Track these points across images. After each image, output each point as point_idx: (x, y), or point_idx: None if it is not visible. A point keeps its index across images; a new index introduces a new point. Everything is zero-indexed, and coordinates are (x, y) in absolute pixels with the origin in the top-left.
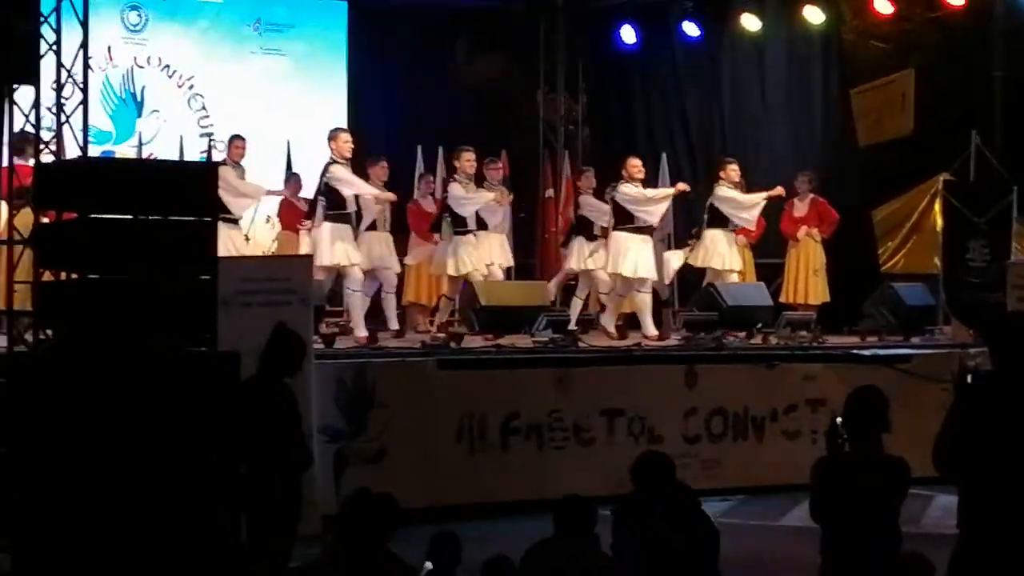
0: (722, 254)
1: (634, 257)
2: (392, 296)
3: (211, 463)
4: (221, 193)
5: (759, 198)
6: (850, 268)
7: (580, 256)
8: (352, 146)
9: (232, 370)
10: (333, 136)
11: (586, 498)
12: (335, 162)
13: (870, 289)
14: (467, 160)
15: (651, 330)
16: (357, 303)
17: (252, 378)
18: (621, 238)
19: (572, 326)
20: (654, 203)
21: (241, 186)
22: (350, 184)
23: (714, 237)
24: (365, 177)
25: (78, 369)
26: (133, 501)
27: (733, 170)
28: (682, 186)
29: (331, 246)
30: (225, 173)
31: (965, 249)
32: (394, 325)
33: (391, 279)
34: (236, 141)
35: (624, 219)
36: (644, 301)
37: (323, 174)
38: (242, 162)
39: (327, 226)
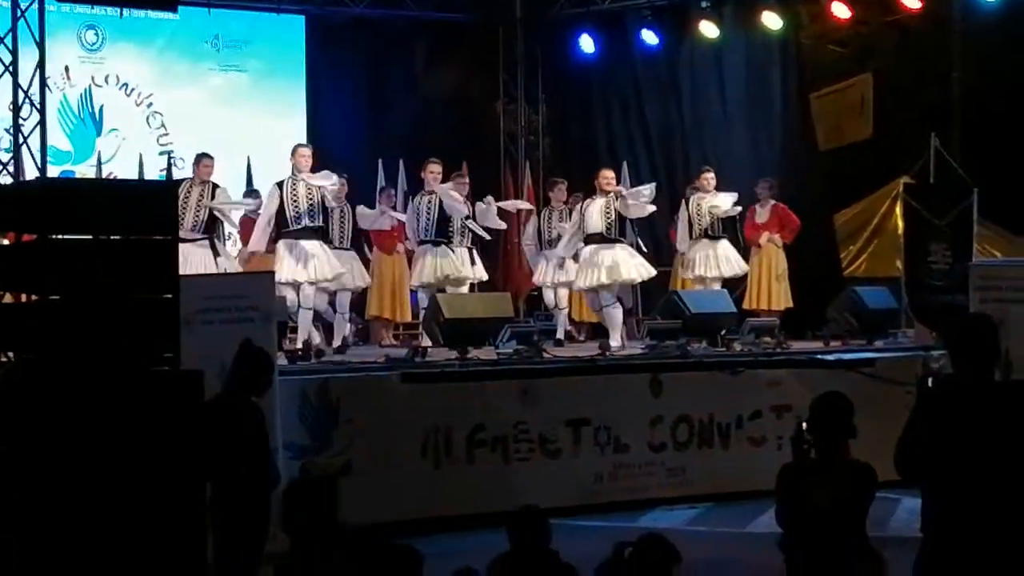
0: (710, 262)
1: (595, 266)
2: (344, 316)
3: (176, 483)
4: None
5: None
6: (813, 273)
7: (545, 271)
8: (310, 160)
9: (195, 389)
10: (293, 151)
11: (540, 509)
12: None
13: (833, 294)
14: (432, 172)
15: (617, 342)
16: (307, 320)
17: (218, 396)
18: (592, 250)
19: (560, 336)
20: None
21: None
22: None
23: (698, 247)
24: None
25: (40, 391)
26: (97, 523)
27: (708, 179)
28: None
29: (288, 263)
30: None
31: (927, 252)
32: (337, 342)
33: (344, 301)
34: (204, 160)
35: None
36: (611, 315)
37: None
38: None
39: (284, 243)
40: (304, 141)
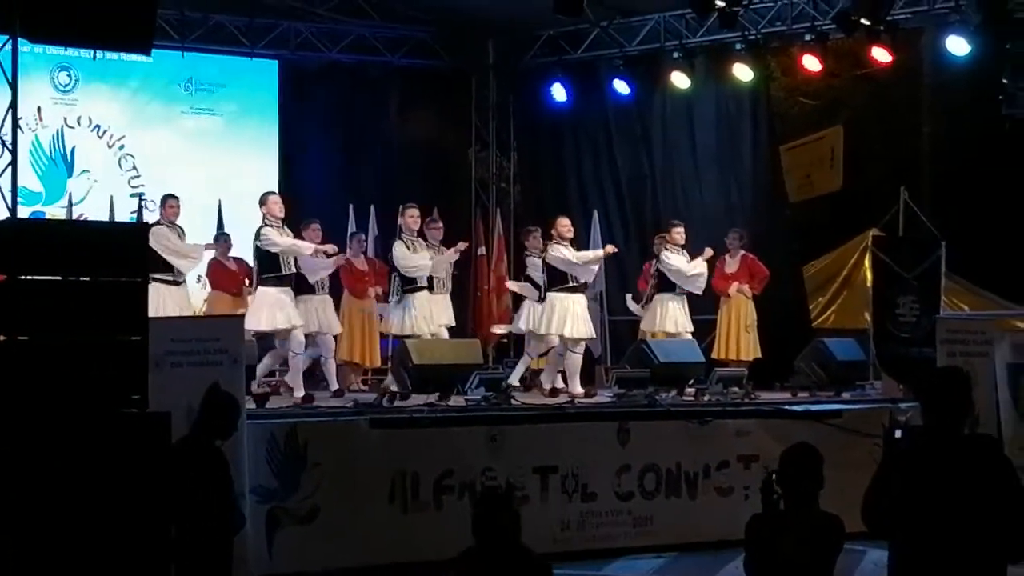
0: (674, 318)
1: (572, 317)
2: (332, 360)
3: (142, 524)
4: (165, 255)
5: (700, 265)
6: (781, 324)
7: (532, 316)
8: (282, 206)
9: (163, 431)
10: (263, 200)
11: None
12: (266, 224)
13: (801, 345)
14: (411, 217)
15: (578, 388)
16: (299, 366)
17: (184, 440)
18: (559, 299)
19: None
20: (584, 264)
21: (181, 247)
22: (282, 244)
23: (663, 301)
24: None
25: (7, 431)
26: (64, 564)
27: (678, 233)
28: (611, 248)
29: (271, 310)
30: (163, 233)
31: (895, 304)
32: (334, 386)
33: (329, 343)
34: (170, 201)
35: (558, 280)
36: (575, 361)
37: (256, 238)
38: (177, 222)
39: (265, 291)
40: (276, 185)
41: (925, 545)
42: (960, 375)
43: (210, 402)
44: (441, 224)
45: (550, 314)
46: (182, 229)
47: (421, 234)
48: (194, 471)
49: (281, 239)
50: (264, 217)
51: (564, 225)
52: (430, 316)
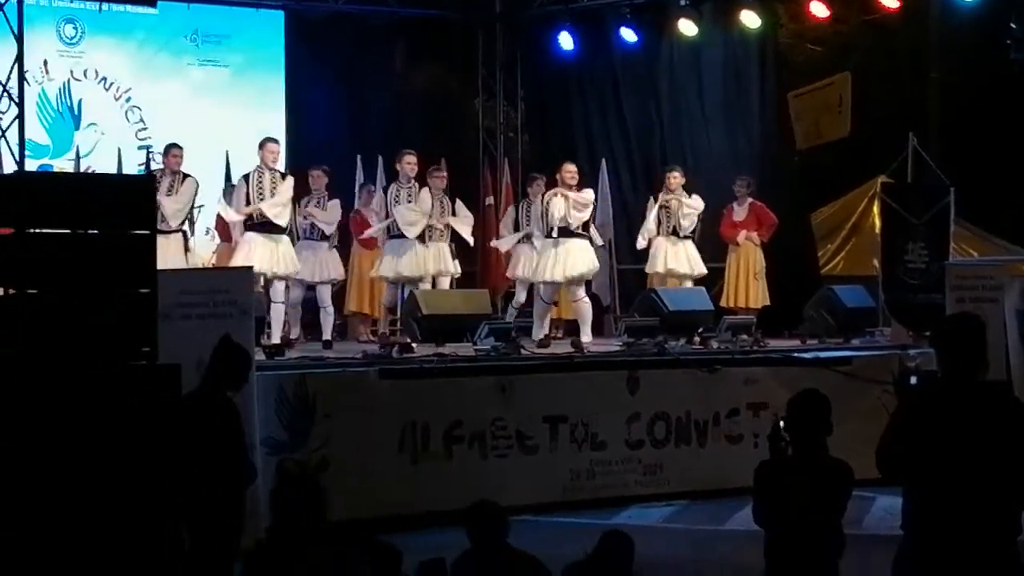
0: (684, 257)
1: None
2: (327, 310)
3: (153, 477)
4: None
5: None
6: (790, 271)
7: (528, 264)
8: (278, 156)
9: (173, 383)
10: (261, 144)
11: (496, 504)
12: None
13: (810, 292)
14: (408, 163)
15: (588, 336)
16: (278, 314)
17: (195, 392)
18: (551, 243)
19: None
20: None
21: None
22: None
23: (667, 243)
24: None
25: (17, 384)
26: (74, 517)
27: (674, 178)
28: None
29: (248, 256)
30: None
31: (904, 251)
32: (327, 336)
33: (324, 295)
34: (173, 150)
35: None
36: (580, 309)
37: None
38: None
39: (246, 236)
40: (283, 135)
41: (941, 492)
42: (975, 322)
43: (221, 353)
44: (445, 173)
45: (546, 260)
46: (186, 175)
47: (422, 182)
48: (206, 422)
49: (225, 210)
50: (260, 161)
51: (569, 171)
52: (416, 263)
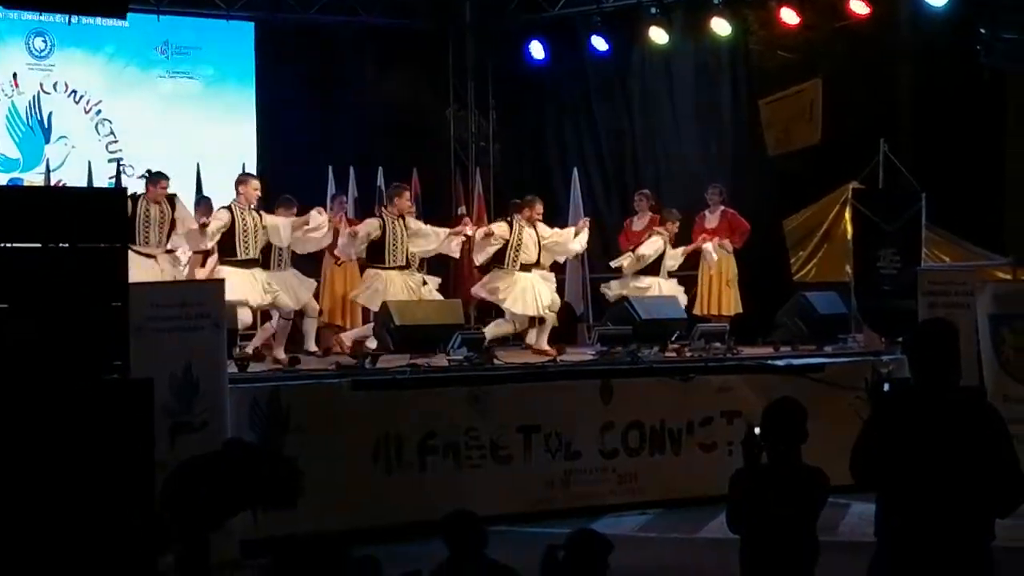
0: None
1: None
2: (313, 320)
3: (124, 491)
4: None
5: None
6: (762, 278)
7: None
8: (259, 194)
9: (145, 397)
10: (241, 181)
11: (473, 514)
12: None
13: (782, 299)
14: (406, 200)
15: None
16: (266, 335)
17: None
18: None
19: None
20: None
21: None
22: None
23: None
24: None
25: None
26: (45, 534)
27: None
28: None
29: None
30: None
31: (876, 257)
32: (311, 348)
33: (312, 306)
34: (161, 180)
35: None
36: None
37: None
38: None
39: (226, 269)
40: (254, 146)
41: (914, 498)
42: (947, 327)
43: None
44: (410, 191)
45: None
46: (173, 196)
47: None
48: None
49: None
50: (240, 198)
51: (539, 213)
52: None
